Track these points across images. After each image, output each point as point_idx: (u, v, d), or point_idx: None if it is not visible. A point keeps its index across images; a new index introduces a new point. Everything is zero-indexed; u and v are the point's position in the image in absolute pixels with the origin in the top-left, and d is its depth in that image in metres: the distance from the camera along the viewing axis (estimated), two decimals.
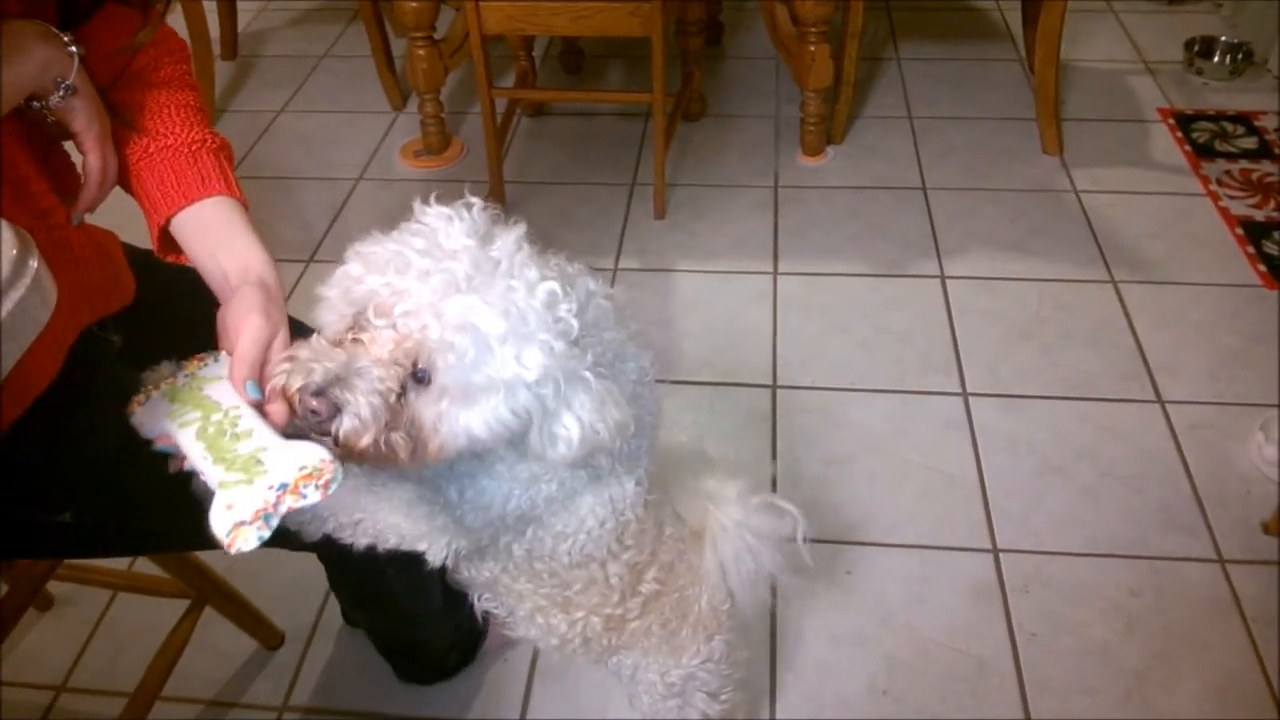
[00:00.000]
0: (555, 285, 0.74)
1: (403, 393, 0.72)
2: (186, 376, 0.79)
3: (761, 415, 1.88)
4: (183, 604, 1.40)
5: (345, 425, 0.70)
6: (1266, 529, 1.62)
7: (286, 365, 0.73)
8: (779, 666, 1.48)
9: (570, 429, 0.76)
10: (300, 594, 1.60)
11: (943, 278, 2.17)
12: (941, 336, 2.03)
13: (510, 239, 0.75)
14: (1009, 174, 2.47)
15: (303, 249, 2.32)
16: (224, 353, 0.79)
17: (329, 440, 0.72)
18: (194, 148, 0.89)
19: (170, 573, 1.35)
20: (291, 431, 0.73)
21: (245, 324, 0.76)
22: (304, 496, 0.66)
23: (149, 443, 0.77)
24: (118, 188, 0.91)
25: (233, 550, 0.65)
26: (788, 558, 1.03)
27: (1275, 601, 1.52)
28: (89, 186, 0.85)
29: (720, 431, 1.86)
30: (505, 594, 1.02)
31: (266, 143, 2.74)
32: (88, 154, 0.84)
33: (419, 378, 0.72)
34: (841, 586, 1.58)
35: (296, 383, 0.71)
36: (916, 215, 2.36)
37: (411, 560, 0.89)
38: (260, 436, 0.71)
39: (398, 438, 0.72)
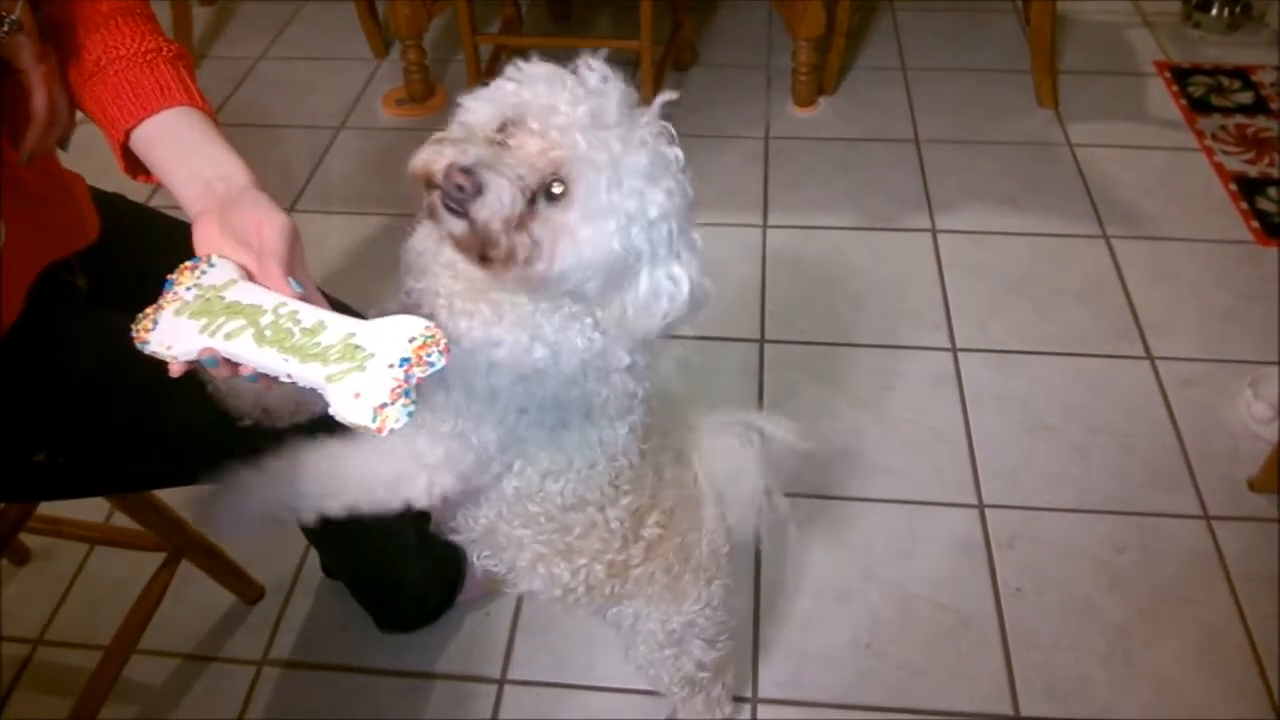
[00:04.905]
0: (681, 154, 0.78)
1: (534, 201, 0.74)
2: (190, 289, 0.72)
3: (749, 370, 1.86)
4: (159, 557, 1.38)
5: (487, 204, 0.71)
6: (1252, 486, 1.62)
7: (435, 147, 0.74)
8: (762, 621, 1.48)
9: (679, 280, 0.79)
10: (279, 547, 1.58)
11: (934, 232, 2.14)
12: (932, 291, 2.00)
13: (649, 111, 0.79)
14: (1003, 127, 2.43)
15: (283, 199, 2.27)
16: (216, 256, 0.74)
17: (463, 222, 0.73)
18: (148, 56, 0.84)
19: (146, 526, 1.33)
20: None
21: (270, 221, 0.73)
22: (431, 365, 0.65)
23: (122, 382, 0.74)
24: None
25: (384, 432, 0.64)
26: (783, 473, 1.06)
27: (1259, 558, 1.52)
28: (35, 125, 0.82)
29: (707, 386, 1.84)
30: (505, 544, 1.01)
31: (246, 90, 2.68)
32: (34, 92, 0.81)
33: (551, 191, 0.74)
34: (826, 541, 1.57)
35: (448, 155, 0.72)
36: (909, 168, 2.32)
37: None
38: (338, 324, 0.68)
39: (521, 240, 0.73)
